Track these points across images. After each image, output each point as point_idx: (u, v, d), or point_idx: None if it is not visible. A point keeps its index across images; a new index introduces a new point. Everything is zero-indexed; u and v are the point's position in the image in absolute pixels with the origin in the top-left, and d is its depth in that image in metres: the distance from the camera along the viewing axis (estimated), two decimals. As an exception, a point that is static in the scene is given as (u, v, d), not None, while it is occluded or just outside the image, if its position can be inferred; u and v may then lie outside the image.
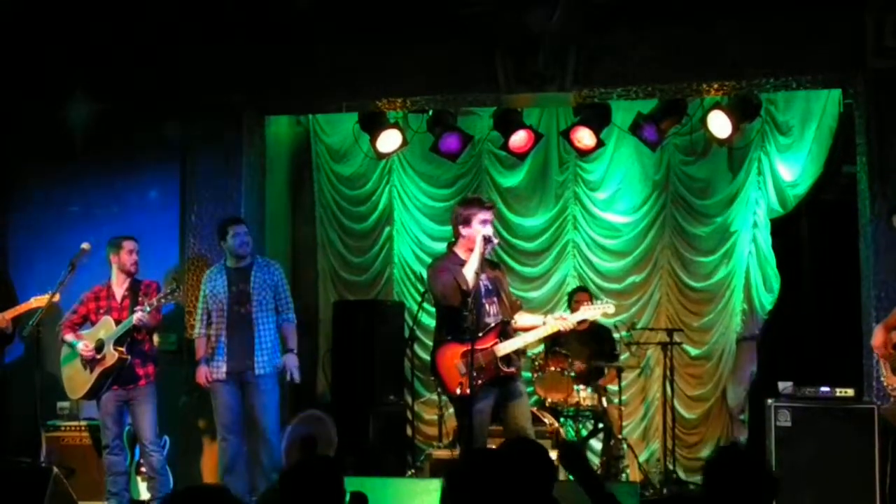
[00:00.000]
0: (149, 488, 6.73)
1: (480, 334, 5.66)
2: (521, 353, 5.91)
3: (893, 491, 5.96)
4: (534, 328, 5.92)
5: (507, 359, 5.74)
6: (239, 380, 6.66)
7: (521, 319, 5.98)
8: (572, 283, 8.55)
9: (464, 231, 5.83)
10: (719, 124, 7.54)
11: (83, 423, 7.18)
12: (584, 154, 8.12)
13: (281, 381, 6.83)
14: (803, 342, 7.78)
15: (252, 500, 6.55)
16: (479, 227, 5.73)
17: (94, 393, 6.59)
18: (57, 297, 6.68)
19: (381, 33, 7.26)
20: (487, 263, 5.93)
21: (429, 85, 7.36)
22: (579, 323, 7.59)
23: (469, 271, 5.63)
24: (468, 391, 5.64)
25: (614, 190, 8.55)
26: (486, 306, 5.74)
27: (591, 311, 6.00)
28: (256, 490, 6.58)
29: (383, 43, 7.28)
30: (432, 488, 5.68)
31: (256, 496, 6.53)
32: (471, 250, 5.74)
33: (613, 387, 7.95)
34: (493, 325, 5.74)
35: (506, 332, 5.77)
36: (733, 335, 8.25)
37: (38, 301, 6.74)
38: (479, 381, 5.61)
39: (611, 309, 5.91)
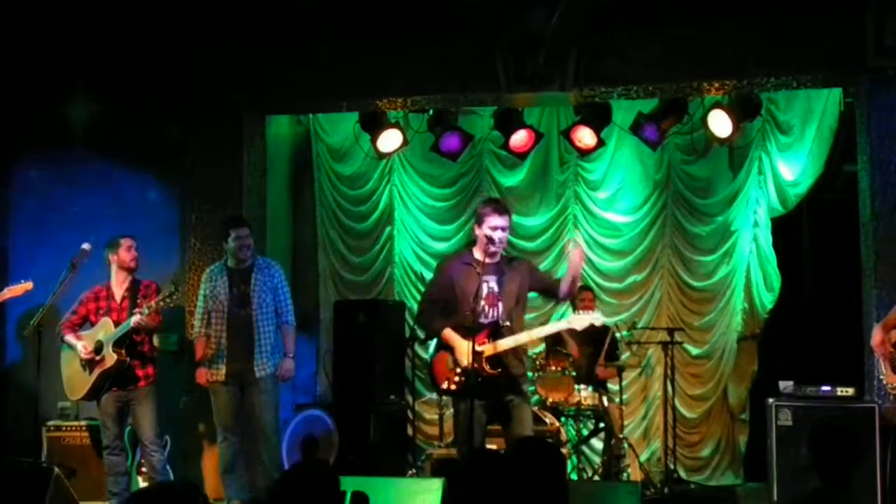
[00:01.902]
0: (150, 488, 6.74)
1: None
2: (520, 356, 5.79)
3: (894, 490, 5.96)
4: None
5: (496, 360, 5.60)
6: (239, 381, 6.67)
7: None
8: (573, 283, 8.53)
9: (476, 230, 5.79)
10: (720, 123, 7.54)
11: (84, 423, 7.19)
12: (584, 153, 8.12)
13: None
14: (804, 341, 7.79)
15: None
16: (489, 231, 5.68)
17: (93, 394, 6.59)
18: (30, 286, 6.68)
19: (382, 33, 7.26)
20: (506, 260, 5.83)
21: (429, 84, 7.36)
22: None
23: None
24: (452, 387, 5.66)
25: (615, 189, 8.55)
26: (486, 307, 5.69)
27: (580, 321, 5.71)
28: (256, 490, 6.58)
29: (384, 42, 7.27)
30: (433, 488, 5.67)
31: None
32: (483, 251, 5.69)
33: (614, 386, 7.95)
34: (485, 324, 5.68)
35: (498, 333, 5.63)
36: (734, 334, 8.25)
37: (12, 291, 6.73)
38: (462, 379, 5.59)
39: (599, 321, 5.78)
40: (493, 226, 5.65)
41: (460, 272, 5.76)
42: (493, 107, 7.99)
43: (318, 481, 3.24)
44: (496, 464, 3.38)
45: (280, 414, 6.97)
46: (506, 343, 5.57)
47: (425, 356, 8.46)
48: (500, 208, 5.75)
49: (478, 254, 5.70)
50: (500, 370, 5.59)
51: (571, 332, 7.18)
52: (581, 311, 5.93)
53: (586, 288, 8.14)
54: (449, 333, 5.71)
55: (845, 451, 3.67)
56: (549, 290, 5.87)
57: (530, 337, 5.64)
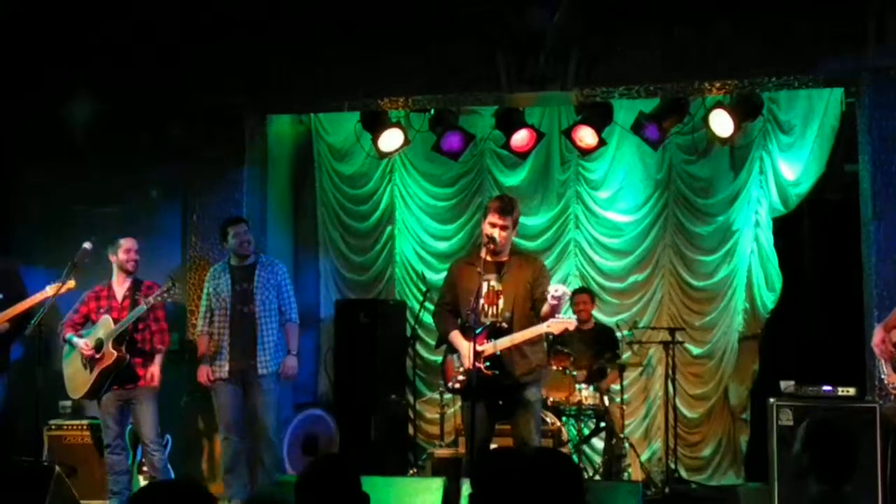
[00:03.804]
0: (150, 487, 6.74)
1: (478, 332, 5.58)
2: (526, 353, 5.72)
3: (895, 489, 5.96)
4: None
5: (496, 360, 5.57)
6: (241, 379, 6.69)
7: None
8: (574, 283, 8.53)
9: (482, 225, 5.80)
10: (721, 123, 7.53)
11: (85, 421, 7.18)
12: (585, 153, 8.11)
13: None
14: (805, 341, 7.76)
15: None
16: (488, 228, 5.68)
17: (94, 393, 6.60)
18: (73, 284, 6.67)
19: (383, 32, 7.26)
20: (516, 258, 5.80)
21: (430, 84, 7.36)
22: (582, 322, 7.63)
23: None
24: (456, 385, 5.71)
25: (616, 189, 8.54)
26: (485, 306, 5.69)
27: (557, 325, 5.54)
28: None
29: (385, 42, 7.28)
30: (434, 487, 5.68)
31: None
32: (484, 248, 5.66)
33: (615, 386, 7.95)
34: (486, 324, 5.68)
35: (497, 332, 5.62)
36: (735, 334, 8.24)
37: (54, 289, 6.72)
38: (465, 379, 5.61)
39: (572, 325, 5.72)
40: (492, 222, 5.65)
41: (463, 273, 5.79)
42: (494, 106, 7.99)
43: (339, 480, 3.22)
44: (517, 467, 3.33)
45: (281, 413, 6.98)
46: (503, 342, 5.58)
47: (427, 356, 8.52)
48: (503, 207, 5.70)
49: (483, 252, 5.69)
50: (496, 371, 5.57)
51: (578, 334, 7.24)
52: (558, 316, 5.70)
53: (583, 291, 8.11)
54: (454, 336, 5.74)
55: (839, 452, 3.67)
56: (537, 303, 5.68)
57: (523, 337, 5.61)
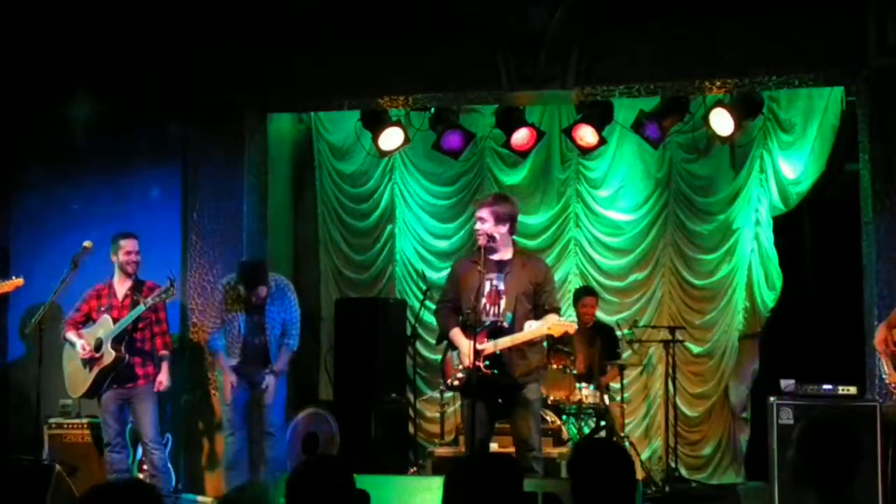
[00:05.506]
0: (151, 486, 6.73)
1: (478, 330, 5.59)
2: (526, 353, 5.72)
3: (895, 489, 5.96)
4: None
5: (496, 360, 5.58)
6: (249, 380, 6.76)
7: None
8: (574, 281, 8.54)
9: None
10: (721, 122, 7.53)
11: (85, 420, 7.16)
12: (586, 152, 8.11)
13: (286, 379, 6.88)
14: (806, 340, 7.76)
15: None
16: (477, 224, 5.71)
17: (93, 392, 6.60)
18: (20, 282, 6.72)
19: (383, 31, 7.26)
20: (519, 257, 5.82)
21: (430, 83, 7.36)
22: (584, 323, 7.64)
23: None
24: (455, 383, 5.73)
25: (616, 188, 8.54)
26: (487, 305, 5.69)
27: (557, 327, 5.60)
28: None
29: (385, 41, 7.27)
30: (434, 486, 5.65)
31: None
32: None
33: (615, 384, 7.96)
34: (486, 324, 5.68)
35: (498, 332, 5.63)
36: (735, 333, 8.25)
37: (1, 287, 6.76)
38: (464, 377, 5.62)
39: (572, 329, 5.73)
40: (475, 216, 5.71)
41: (466, 271, 5.80)
42: (494, 105, 7.99)
43: (329, 480, 3.22)
44: (493, 467, 3.34)
45: (284, 412, 7.01)
46: (503, 342, 5.58)
47: (427, 354, 8.52)
48: (483, 200, 5.82)
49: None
50: (495, 370, 5.57)
51: (578, 333, 7.24)
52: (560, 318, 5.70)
53: (589, 293, 8.10)
54: (454, 334, 5.75)
55: (839, 453, 3.39)
56: (539, 309, 5.71)
57: (523, 337, 5.61)
